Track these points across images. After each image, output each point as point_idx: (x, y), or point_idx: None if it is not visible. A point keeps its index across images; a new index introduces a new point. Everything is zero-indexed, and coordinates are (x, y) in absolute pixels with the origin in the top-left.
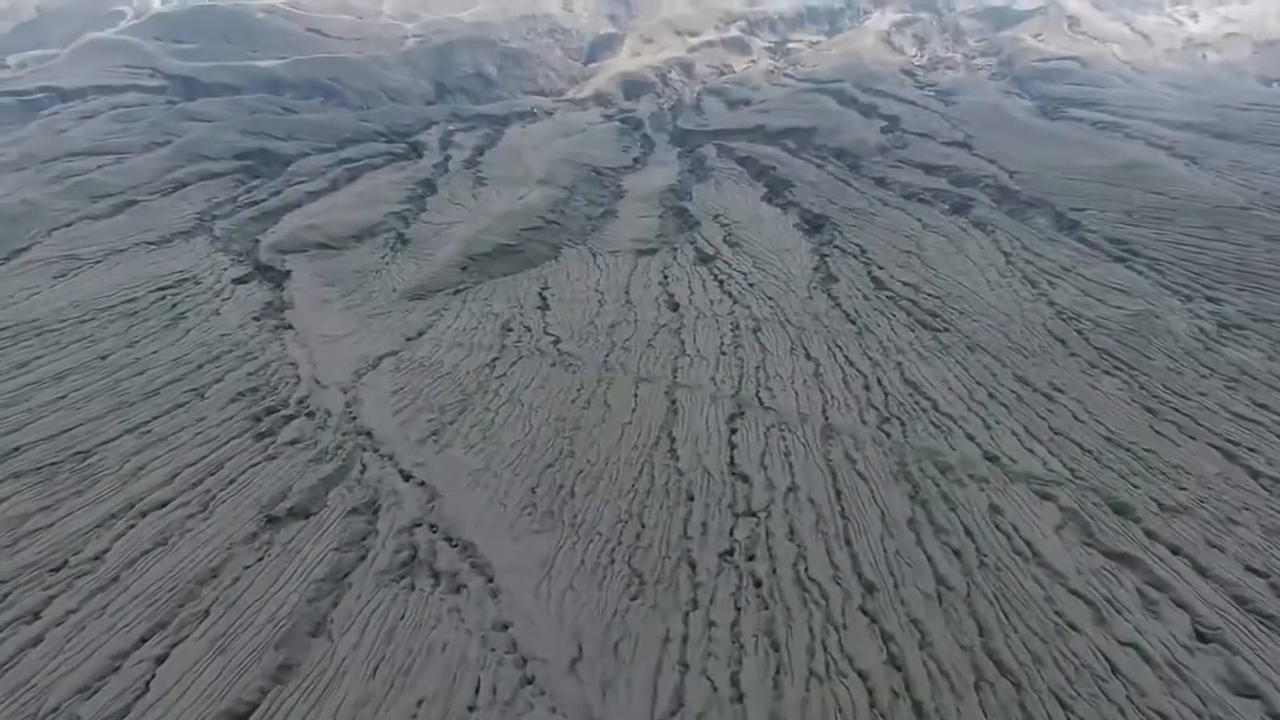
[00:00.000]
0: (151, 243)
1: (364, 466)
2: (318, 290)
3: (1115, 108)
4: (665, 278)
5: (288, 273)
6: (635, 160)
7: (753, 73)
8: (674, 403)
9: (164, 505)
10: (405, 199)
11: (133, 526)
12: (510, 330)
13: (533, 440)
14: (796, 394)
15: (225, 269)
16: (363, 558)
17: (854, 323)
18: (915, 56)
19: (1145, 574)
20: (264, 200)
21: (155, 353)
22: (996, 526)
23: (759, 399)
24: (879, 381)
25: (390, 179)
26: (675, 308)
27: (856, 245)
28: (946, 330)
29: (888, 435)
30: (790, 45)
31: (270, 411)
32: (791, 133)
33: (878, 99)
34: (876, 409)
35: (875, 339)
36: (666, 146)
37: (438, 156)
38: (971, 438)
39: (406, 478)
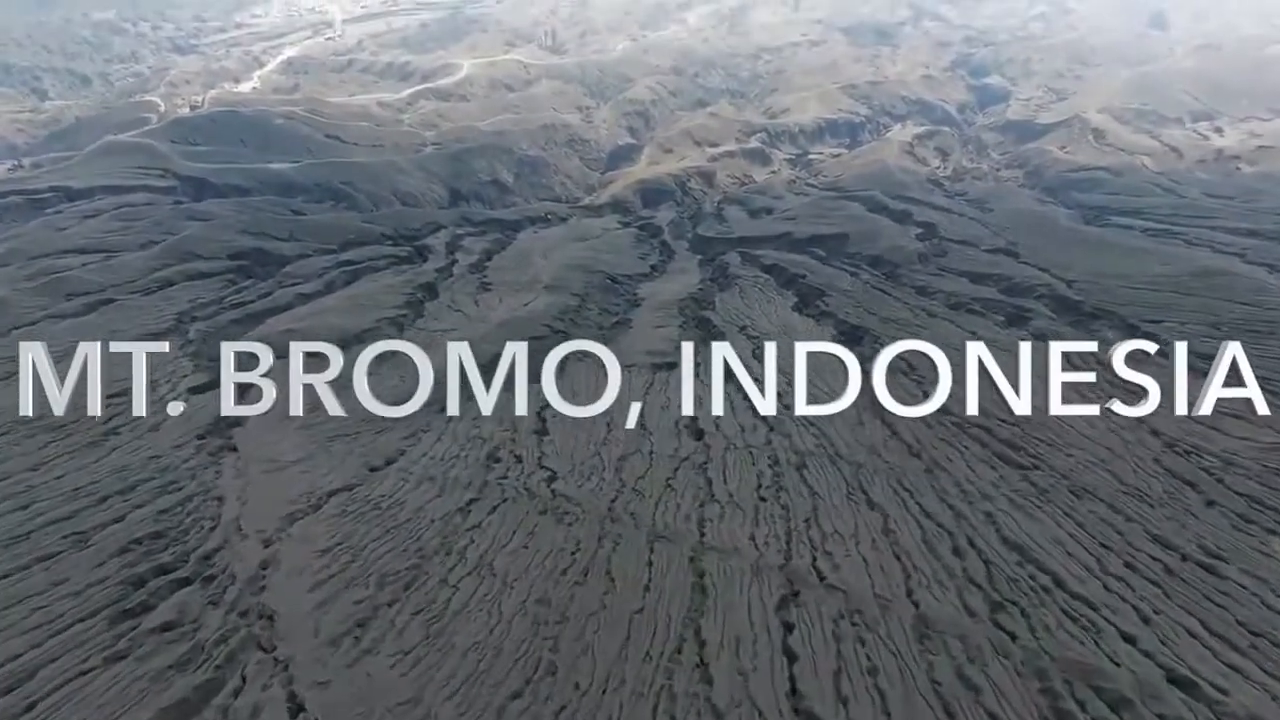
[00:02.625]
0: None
1: (244, 681)
2: (281, 404)
3: (1160, 216)
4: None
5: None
6: (653, 267)
7: (774, 182)
8: (702, 577)
9: None
10: (402, 304)
11: None
12: (497, 460)
13: (498, 642)
14: (866, 562)
15: (185, 375)
16: None
17: (919, 457)
18: (939, 168)
19: None
20: (251, 302)
21: (60, 478)
22: None
23: (817, 570)
24: (971, 542)
25: (389, 282)
26: (699, 435)
27: (904, 359)
28: (1036, 468)
29: (1011, 637)
30: (811, 157)
31: (161, 572)
32: (821, 240)
33: (910, 206)
34: (979, 587)
35: (950, 479)
36: (686, 254)
37: (443, 260)
38: (1132, 640)
39: (296, 710)
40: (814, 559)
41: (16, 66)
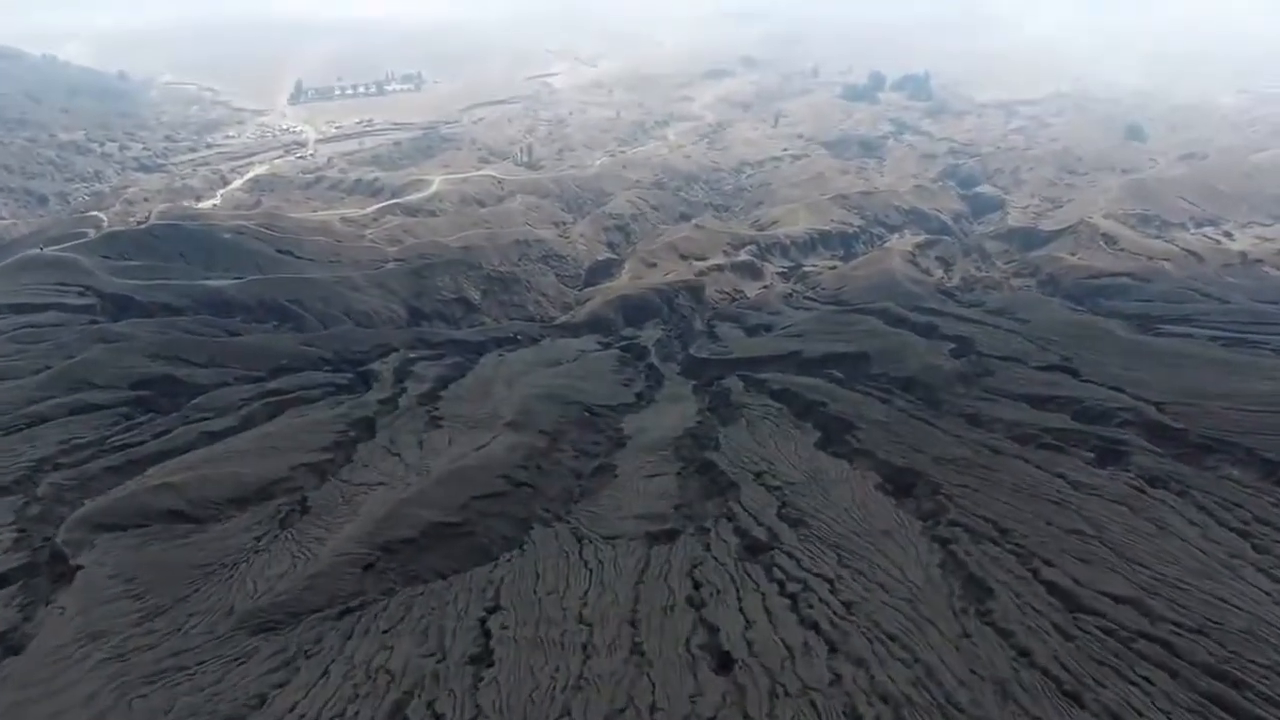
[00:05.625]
0: None
1: None
2: (101, 610)
3: (1215, 322)
4: (697, 588)
5: (77, 569)
6: (639, 396)
7: (769, 296)
8: None
9: None
10: (329, 445)
11: None
12: None
13: None
14: None
15: None
16: None
17: (1080, 701)
18: (945, 277)
19: None
20: (141, 443)
21: None
22: None
23: None
24: None
25: (319, 417)
26: (726, 664)
27: (987, 521)
28: None
29: None
30: (806, 269)
31: None
32: (836, 360)
33: (933, 318)
34: None
35: None
36: (678, 379)
37: (389, 390)
38: None
39: None
40: None
41: None
